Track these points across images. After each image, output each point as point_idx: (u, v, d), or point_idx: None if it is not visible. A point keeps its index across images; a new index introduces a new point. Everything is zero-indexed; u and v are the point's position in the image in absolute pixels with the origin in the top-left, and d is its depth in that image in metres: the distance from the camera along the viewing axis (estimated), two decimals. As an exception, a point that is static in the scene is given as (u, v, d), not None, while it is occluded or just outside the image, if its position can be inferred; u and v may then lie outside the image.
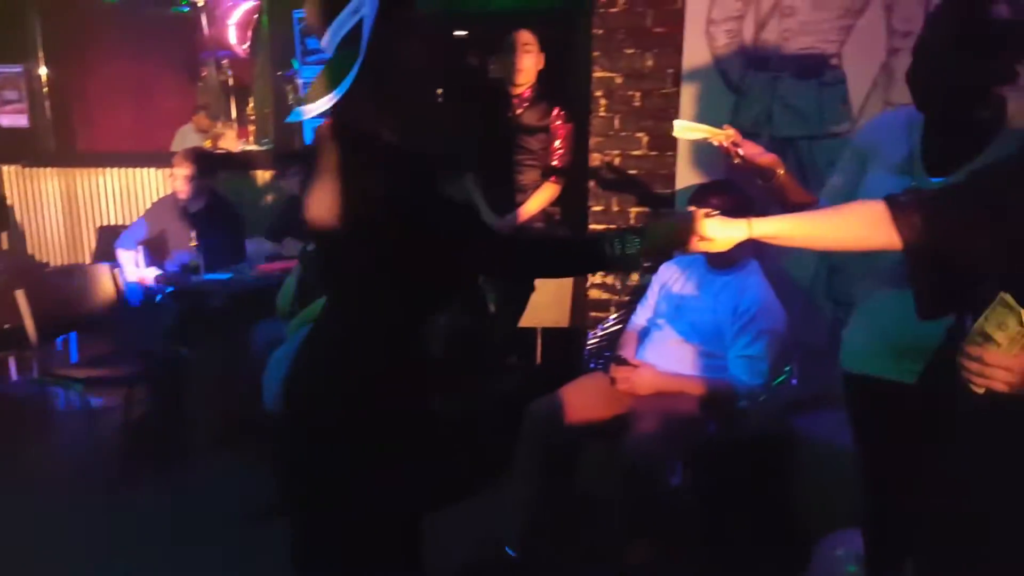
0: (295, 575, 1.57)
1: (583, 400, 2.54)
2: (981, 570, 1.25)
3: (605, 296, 3.15)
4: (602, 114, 3.03)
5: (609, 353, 2.85)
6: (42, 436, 3.29)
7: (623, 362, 2.55)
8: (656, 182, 3.01)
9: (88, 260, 5.20)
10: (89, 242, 5.42)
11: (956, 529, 1.28)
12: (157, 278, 3.73)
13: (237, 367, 3.33)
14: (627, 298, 3.08)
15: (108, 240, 4.44)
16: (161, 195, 4.53)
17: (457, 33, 5.10)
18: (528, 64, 3.16)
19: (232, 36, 4.95)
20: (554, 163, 3.23)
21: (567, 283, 3.50)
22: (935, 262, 1.31)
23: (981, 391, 1.14)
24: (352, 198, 1.37)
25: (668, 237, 1.49)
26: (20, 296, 3.13)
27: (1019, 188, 1.24)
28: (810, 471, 2.47)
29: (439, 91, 2.08)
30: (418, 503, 1.60)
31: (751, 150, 1.91)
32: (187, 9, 5.68)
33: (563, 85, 3.46)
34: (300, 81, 5.20)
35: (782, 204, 1.90)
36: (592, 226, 3.13)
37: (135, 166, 5.30)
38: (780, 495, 2.49)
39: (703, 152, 2.91)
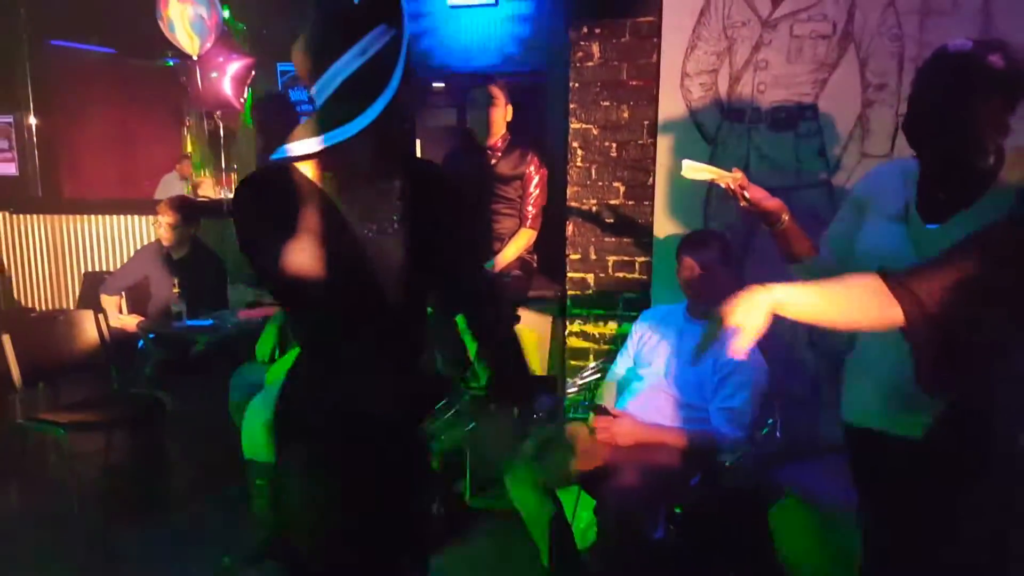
0: None
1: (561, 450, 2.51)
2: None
3: (584, 344, 3.14)
4: (579, 164, 3.06)
5: (588, 402, 2.83)
6: (24, 479, 3.26)
7: (603, 412, 2.53)
8: (634, 231, 3.03)
9: (73, 305, 5.17)
10: (74, 288, 5.40)
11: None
12: (139, 324, 3.72)
13: (217, 413, 3.31)
14: (606, 347, 3.07)
15: (93, 286, 4.43)
16: (145, 242, 4.53)
17: (436, 85, 5.21)
18: (497, 116, 3.24)
19: (228, 89, 5.04)
20: (529, 208, 3.27)
21: (546, 330, 3.49)
22: (935, 332, 1.28)
23: None
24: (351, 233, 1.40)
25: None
26: (6, 340, 3.15)
27: (1014, 247, 1.23)
28: (795, 523, 2.43)
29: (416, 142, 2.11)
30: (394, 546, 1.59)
31: (757, 194, 1.92)
32: (173, 63, 5.77)
33: (536, 134, 3.52)
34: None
35: (786, 251, 1.91)
36: (570, 274, 3.14)
37: (120, 213, 5.32)
38: (764, 548, 2.44)
39: (681, 202, 2.93)
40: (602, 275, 3.10)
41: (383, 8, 1.37)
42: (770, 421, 2.62)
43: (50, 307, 5.47)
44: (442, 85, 5.29)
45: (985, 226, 1.32)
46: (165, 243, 3.86)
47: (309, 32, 1.39)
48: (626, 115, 2.97)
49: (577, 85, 3.01)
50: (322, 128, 1.35)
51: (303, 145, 1.36)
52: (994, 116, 1.45)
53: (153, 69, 6.75)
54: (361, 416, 1.49)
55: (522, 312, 3.34)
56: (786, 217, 1.90)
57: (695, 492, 2.41)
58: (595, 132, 3.02)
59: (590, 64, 2.98)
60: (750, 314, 1.36)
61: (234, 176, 6.01)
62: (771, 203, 1.91)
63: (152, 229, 4.10)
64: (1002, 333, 1.20)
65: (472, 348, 2.73)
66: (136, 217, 5.27)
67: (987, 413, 1.39)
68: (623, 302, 3.07)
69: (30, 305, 5.53)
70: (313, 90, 1.39)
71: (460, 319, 1.79)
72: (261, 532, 2.81)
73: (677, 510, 2.44)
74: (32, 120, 5.52)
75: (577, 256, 3.13)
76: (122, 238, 5.33)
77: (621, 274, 3.08)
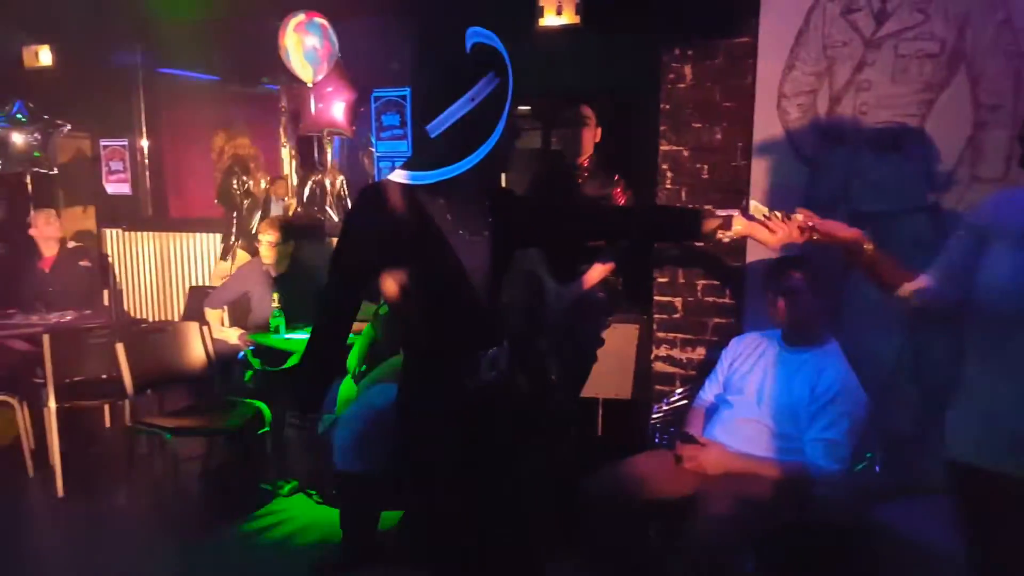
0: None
1: (647, 477, 2.47)
2: None
3: (671, 369, 3.08)
4: (668, 186, 3.03)
5: (675, 429, 2.77)
6: (131, 479, 3.47)
7: (690, 439, 2.48)
8: (726, 254, 2.96)
9: (179, 318, 5.46)
10: (179, 301, 5.71)
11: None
12: (240, 336, 3.90)
13: (311, 424, 3.43)
14: (694, 372, 3.01)
15: (197, 299, 4.68)
16: (250, 260, 4.75)
17: (521, 108, 5.27)
18: (588, 137, 3.24)
19: (341, 116, 5.27)
20: None
21: (630, 354, 3.45)
22: None
23: None
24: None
25: None
26: (119, 349, 3.34)
27: None
28: (893, 566, 2.31)
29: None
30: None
31: (829, 227, 1.84)
32: (275, 88, 6.08)
33: (624, 157, 3.51)
34: (376, 153, 5.44)
35: (876, 282, 1.83)
36: (657, 297, 3.10)
37: (221, 231, 5.59)
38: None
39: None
40: (691, 299, 3.04)
41: (491, 58, 1.53)
42: (869, 456, 2.51)
43: (158, 319, 5.79)
44: (528, 108, 5.34)
45: None
46: (265, 261, 4.04)
47: (425, 76, 1.57)
48: (719, 137, 2.93)
49: (668, 107, 2.99)
50: (431, 164, 1.54)
51: (415, 176, 1.56)
52: None
53: (252, 95, 7.11)
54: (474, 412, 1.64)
55: (606, 335, 3.31)
56: (868, 247, 1.80)
57: (787, 526, 2.32)
58: (686, 154, 2.98)
59: (682, 86, 2.96)
60: None
61: (329, 199, 6.25)
62: (847, 233, 1.82)
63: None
64: None
65: None
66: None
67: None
68: (712, 327, 3.01)
69: (140, 316, 5.88)
70: (427, 128, 1.53)
71: None
72: (351, 538, 2.88)
73: (767, 544, 2.36)
74: (144, 143, 5.91)
75: (665, 279, 3.08)
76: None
77: (711, 299, 3.01)
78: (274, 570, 2.93)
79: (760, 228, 1.87)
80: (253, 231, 5.09)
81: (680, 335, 3.06)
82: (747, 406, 2.50)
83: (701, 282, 3.03)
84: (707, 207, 2.47)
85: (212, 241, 5.64)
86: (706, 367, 2.80)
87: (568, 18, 4.00)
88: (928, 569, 2.26)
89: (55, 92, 5.62)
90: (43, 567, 3.07)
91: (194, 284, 5.62)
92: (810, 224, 1.85)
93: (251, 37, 5.40)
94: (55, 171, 5.54)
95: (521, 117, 5.34)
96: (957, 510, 1.70)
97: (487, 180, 1.65)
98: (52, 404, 3.52)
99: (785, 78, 2.81)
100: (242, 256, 5.17)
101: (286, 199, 7.07)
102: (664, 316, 3.08)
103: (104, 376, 3.64)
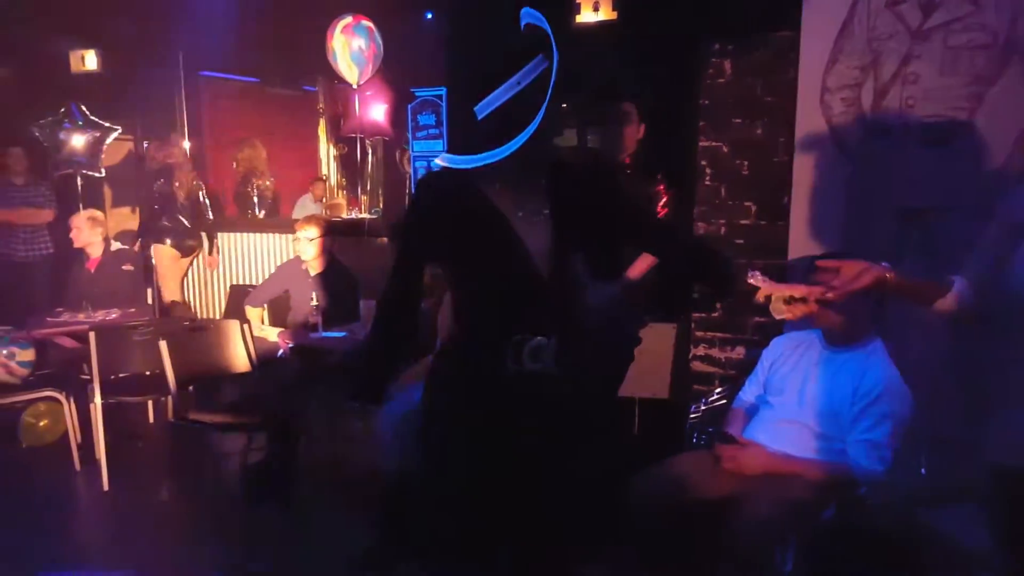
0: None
1: (685, 477, 2.44)
2: None
3: (709, 369, 3.04)
4: (708, 183, 2.99)
5: (713, 429, 2.74)
6: (173, 473, 3.54)
7: (730, 440, 2.44)
8: (766, 253, 2.92)
9: (220, 316, 5.55)
10: (220, 299, 5.80)
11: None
12: (280, 334, 3.95)
13: (348, 421, 3.46)
14: (733, 372, 2.96)
15: (238, 298, 4.75)
16: (285, 258, 4.81)
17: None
18: (630, 134, 3.19)
19: (382, 118, 5.33)
20: None
21: (667, 354, 3.41)
22: None
23: None
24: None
25: None
26: (162, 346, 3.41)
27: None
28: (935, 570, 2.25)
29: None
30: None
31: (844, 285, 1.71)
32: (314, 89, 6.16)
33: (665, 154, 3.46)
34: (411, 153, 5.47)
35: (913, 302, 1.77)
36: (695, 296, 3.06)
37: (261, 231, 5.68)
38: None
39: (819, 222, 2.81)
40: (730, 298, 3.01)
41: (539, 41, 1.51)
42: (913, 457, 2.45)
43: (200, 317, 5.89)
44: (564, 105, 5.31)
45: None
46: (303, 258, 4.09)
47: (475, 57, 1.61)
48: (760, 132, 2.89)
49: (707, 102, 2.96)
50: (476, 147, 1.53)
51: (460, 160, 1.55)
52: None
53: (291, 96, 7.22)
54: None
55: (643, 334, 3.27)
56: (890, 276, 1.69)
57: (828, 527, 2.28)
58: (726, 150, 2.95)
59: (722, 81, 2.92)
60: None
61: (364, 199, 6.31)
62: (865, 279, 1.68)
63: (292, 246, 4.36)
64: None
65: None
66: (276, 235, 5.61)
67: None
68: (753, 326, 2.96)
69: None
70: (474, 109, 1.53)
71: None
72: (389, 535, 2.90)
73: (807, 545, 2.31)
74: (185, 144, 6.02)
75: (704, 277, 3.05)
76: (264, 254, 5.68)
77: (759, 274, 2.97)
78: (313, 564, 2.95)
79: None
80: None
81: (719, 334, 3.03)
82: (788, 407, 2.46)
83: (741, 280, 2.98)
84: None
85: (253, 240, 5.72)
86: (746, 367, 2.76)
87: (605, 14, 3.98)
88: (971, 574, 2.20)
89: (101, 95, 5.77)
90: (89, 558, 3.15)
91: (235, 283, 5.71)
92: (828, 296, 1.77)
93: (291, 39, 5.48)
94: (103, 173, 5.68)
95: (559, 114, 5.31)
96: (1002, 515, 1.65)
97: (534, 164, 1.61)
98: (98, 400, 3.60)
99: (828, 72, 2.76)
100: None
101: (325, 199, 7.17)
102: (703, 315, 3.05)
103: (148, 373, 3.71)
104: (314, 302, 3.81)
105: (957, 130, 2.59)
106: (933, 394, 2.56)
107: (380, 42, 4.59)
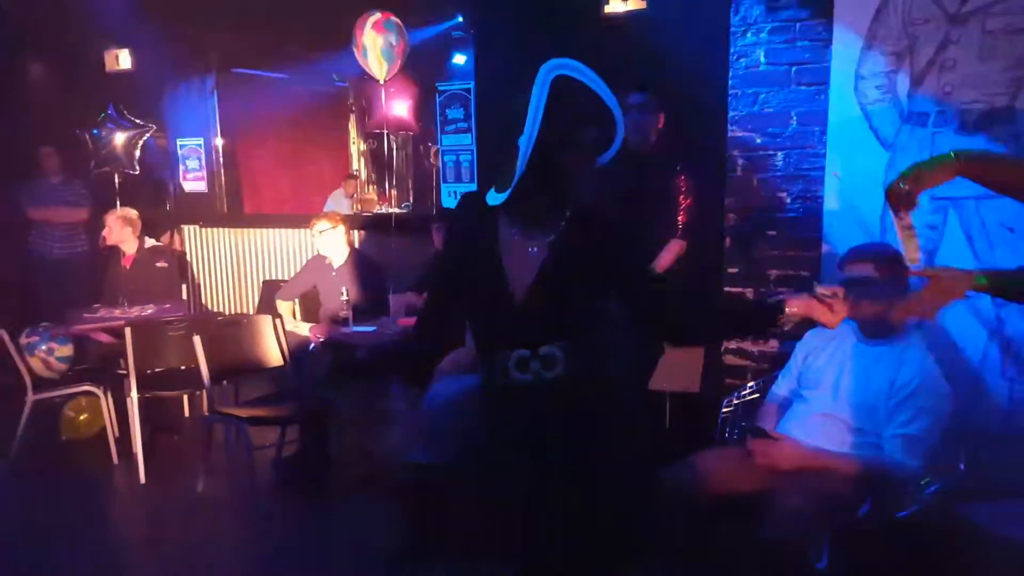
0: None
1: (717, 471, 2.41)
2: None
3: (741, 362, 3.01)
4: (739, 173, 2.95)
5: (745, 423, 2.70)
6: (208, 466, 3.60)
7: (762, 434, 2.41)
8: (799, 244, 2.87)
9: (253, 311, 5.62)
10: (253, 295, 5.88)
11: None
12: (311, 328, 3.99)
13: (378, 414, 3.48)
14: (766, 366, 2.92)
15: (270, 293, 4.81)
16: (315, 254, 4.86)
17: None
18: (650, 123, 3.17)
19: (407, 113, 5.35)
20: (679, 219, 3.17)
21: (698, 347, 3.37)
22: None
23: None
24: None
25: None
26: (196, 341, 3.46)
27: None
28: (974, 567, 2.20)
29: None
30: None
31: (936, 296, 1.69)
32: (344, 84, 6.20)
33: (689, 142, 3.42)
34: (440, 149, 5.48)
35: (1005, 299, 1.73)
36: (727, 288, 3.02)
37: (293, 227, 5.73)
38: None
39: (855, 212, 2.75)
40: (762, 290, 2.96)
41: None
42: (952, 453, 2.39)
43: (233, 312, 5.98)
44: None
45: None
46: (321, 252, 4.15)
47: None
48: (793, 121, 2.84)
49: (738, 91, 2.91)
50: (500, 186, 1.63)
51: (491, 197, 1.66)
52: None
53: (321, 93, 7.26)
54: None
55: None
56: (982, 284, 1.65)
57: (864, 522, 2.24)
58: (758, 139, 2.90)
59: (753, 69, 2.87)
60: None
61: (394, 193, 6.35)
62: (961, 290, 1.64)
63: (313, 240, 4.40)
64: None
65: None
66: (307, 231, 5.66)
67: None
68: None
69: (216, 310, 6.07)
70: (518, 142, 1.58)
71: None
72: (417, 529, 2.91)
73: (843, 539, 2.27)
74: (218, 142, 6.10)
75: (735, 270, 3.01)
76: (295, 250, 5.74)
77: (784, 289, 2.93)
78: (345, 556, 2.98)
79: (818, 307, 1.76)
80: None
81: (751, 327, 2.98)
82: (822, 400, 2.42)
83: (774, 272, 2.94)
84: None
85: (285, 236, 5.78)
86: (779, 360, 2.72)
87: (633, 4, 3.94)
88: (1010, 571, 2.15)
89: (135, 94, 5.86)
90: (126, 550, 3.22)
91: (267, 278, 5.78)
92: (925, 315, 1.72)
93: (320, 36, 5.51)
94: (138, 170, 5.79)
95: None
96: None
97: (559, 199, 1.65)
98: (134, 394, 3.67)
99: (863, 58, 2.69)
100: None
101: (356, 194, 7.22)
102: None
103: (182, 367, 3.78)
104: (344, 296, 3.84)
105: (997, 117, 2.52)
106: (974, 388, 2.51)
107: (407, 37, 4.61)
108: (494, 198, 1.64)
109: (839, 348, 2.46)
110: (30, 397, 3.83)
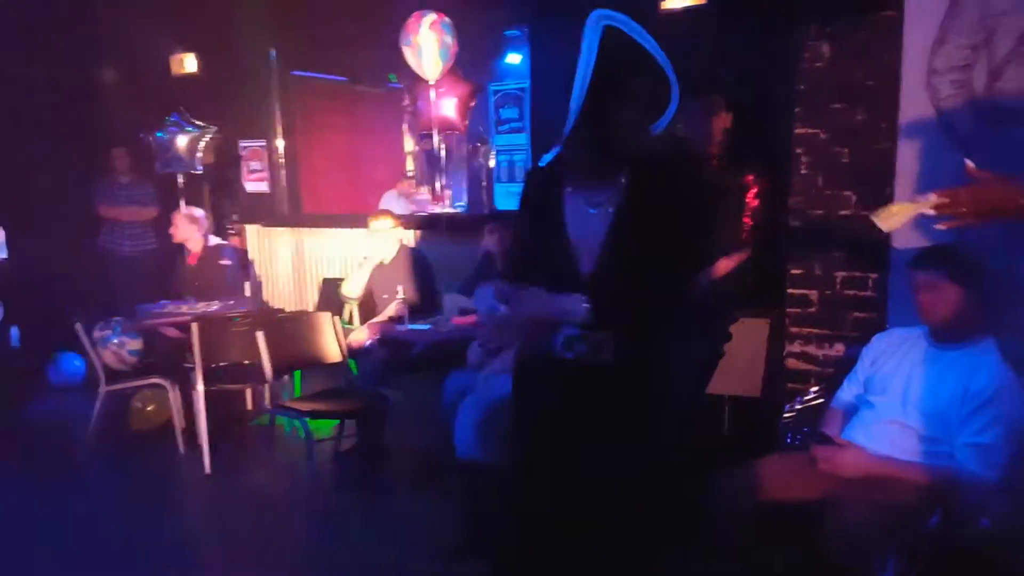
0: None
1: (779, 477, 2.36)
2: None
3: (805, 366, 2.93)
4: (804, 172, 2.87)
5: (808, 429, 2.64)
6: (270, 458, 3.69)
7: (826, 440, 2.35)
8: (867, 245, 2.78)
9: (313, 308, 5.73)
10: (312, 292, 5.99)
11: None
12: (368, 326, 4.05)
13: (433, 410, 3.53)
14: (831, 370, 2.84)
15: (328, 291, 4.88)
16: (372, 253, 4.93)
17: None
18: (717, 125, 3.12)
19: (453, 112, 5.38)
20: (745, 222, 3.11)
21: (760, 351, 3.30)
22: None
23: None
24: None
25: None
26: (260, 337, 3.55)
27: None
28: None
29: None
30: None
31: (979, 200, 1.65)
32: (400, 86, 6.27)
33: (755, 143, 3.35)
34: (492, 149, 5.48)
35: None
36: (790, 291, 2.95)
37: (351, 227, 5.82)
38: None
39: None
40: (828, 292, 2.89)
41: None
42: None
43: (293, 309, 6.10)
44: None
45: None
46: (377, 251, 4.21)
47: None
48: (860, 118, 2.75)
49: (804, 87, 2.84)
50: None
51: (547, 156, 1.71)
52: None
53: (377, 94, 7.35)
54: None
55: (734, 329, 3.19)
56: None
57: (933, 535, 2.16)
58: (823, 137, 2.83)
59: (819, 65, 2.80)
60: None
61: (448, 193, 6.38)
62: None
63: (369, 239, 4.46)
64: None
65: None
66: (364, 230, 5.74)
67: None
68: (852, 322, 2.83)
69: (278, 307, 6.21)
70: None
71: None
72: (470, 526, 2.93)
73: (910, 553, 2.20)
74: (279, 143, 6.24)
75: (799, 271, 2.93)
76: (353, 248, 5.82)
77: (851, 291, 2.84)
78: (405, 549, 3.01)
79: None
80: None
81: (816, 330, 2.91)
82: (890, 407, 2.35)
83: (840, 274, 2.86)
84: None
85: (341, 235, 5.87)
86: (844, 365, 2.64)
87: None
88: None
89: (199, 96, 6.04)
90: (192, 538, 3.32)
91: (326, 276, 5.88)
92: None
93: (376, 37, 5.58)
94: (201, 170, 5.96)
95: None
96: None
97: (611, 153, 1.63)
98: (200, 387, 3.79)
99: (936, 53, 2.60)
100: None
101: (410, 195, 7.28)
102: (798, 310, 2.94)
103: (246, 362, 3.88)
104: (400, 295, 3.89)
105: (1082, 112, 2.40)
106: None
107: (456, 37, 4.66)
108: (548, 157, 1.66)
109: (909, 353, 2.38)
110: (103, 388, 4.00)
